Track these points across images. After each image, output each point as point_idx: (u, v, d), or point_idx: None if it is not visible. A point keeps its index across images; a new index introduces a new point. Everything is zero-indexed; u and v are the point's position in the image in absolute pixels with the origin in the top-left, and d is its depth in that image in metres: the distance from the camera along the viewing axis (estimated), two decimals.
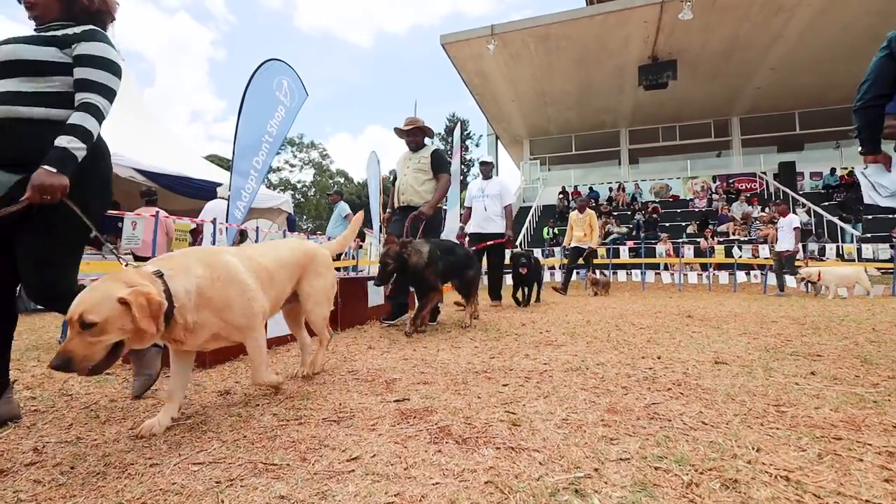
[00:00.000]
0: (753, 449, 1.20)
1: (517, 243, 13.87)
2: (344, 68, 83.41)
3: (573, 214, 8.03)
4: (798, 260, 8.58)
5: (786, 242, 8.12)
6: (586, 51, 13.37)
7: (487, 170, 5.86)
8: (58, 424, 1.55)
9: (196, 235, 5.97)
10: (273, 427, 1.46)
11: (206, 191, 7.93)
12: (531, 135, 20.70)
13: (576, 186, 19.06)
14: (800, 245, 8.28)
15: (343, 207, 8.69)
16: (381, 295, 4.48)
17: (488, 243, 5.39)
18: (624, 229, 14.48)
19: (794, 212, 13.09)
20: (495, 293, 5.70)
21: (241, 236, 8.46)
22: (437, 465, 1.16)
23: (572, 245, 7.90)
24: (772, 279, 8.48)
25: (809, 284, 7.55)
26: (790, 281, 8.13)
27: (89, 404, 1.77)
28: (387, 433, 1.39)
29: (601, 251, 10.90)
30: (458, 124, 14.83)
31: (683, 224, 14.71)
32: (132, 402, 1.80)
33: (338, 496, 1.02)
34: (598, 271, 8.60)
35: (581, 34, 12.63)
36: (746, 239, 12.04)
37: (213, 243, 4.77)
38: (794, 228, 8.03)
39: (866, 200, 2.19)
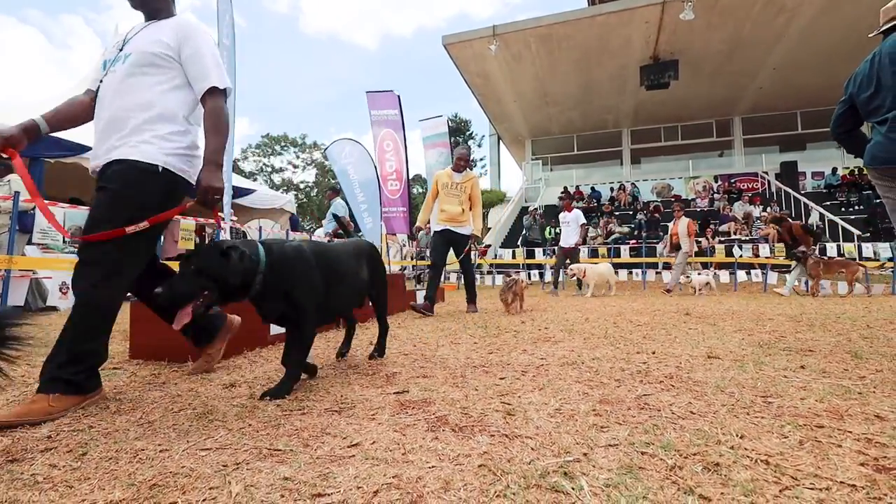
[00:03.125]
0: (737, 436, 1.25)
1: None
2: (349, 70, 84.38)
3: (443, 174, 4.72)
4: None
5: (571, 238, 7.96)
6: (588, 51, 13.42)
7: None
8: (70, 415, 1.61)
9: (199, 235, 6.05)
10: (277, 417, 1.52)
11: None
12: (533, 135, 20.75)
13: (577, 186, 19.11)
14: (582, 240, 8.18)
15: (338, 205, 8.32)
16: None
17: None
18: (625, 229, 14.52)
19: (807, 214, 13.10)
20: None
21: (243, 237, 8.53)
22: (433, 450, 1.22)
23: (440, 228, 4.66)
24: (772, 278, 8.49)
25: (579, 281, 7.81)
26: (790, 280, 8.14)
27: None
28: (386, 422, 1.44)
29: (602, 250, 10.89)
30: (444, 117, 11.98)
31: None
32: (140, 395, 1.86)
33: (339, 478, 1.07)
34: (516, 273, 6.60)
35: (583, 34, 12.67)
36: (748, 238, 12.06)
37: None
38: (581, 225, 7.95)
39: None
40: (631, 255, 10.62)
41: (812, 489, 0.97)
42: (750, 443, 1.20)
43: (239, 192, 8.06)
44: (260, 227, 6.73)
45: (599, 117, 18.70)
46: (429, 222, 4.95)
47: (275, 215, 9.67)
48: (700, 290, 7.67)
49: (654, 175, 19.19)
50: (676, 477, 1.03)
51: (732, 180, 17.20)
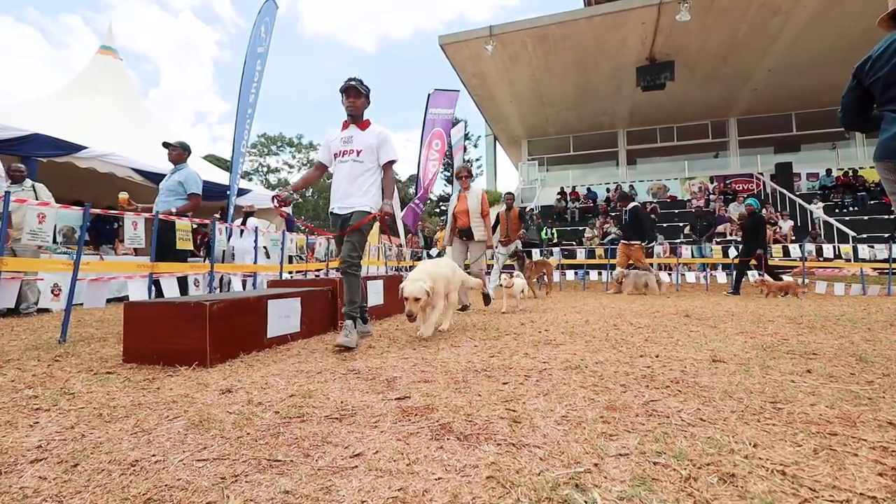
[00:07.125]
0: (750, 444, 1.22)
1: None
2: (347, 71, 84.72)
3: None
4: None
5: (355, 195, 3.51)
6: (584, 52, 13.41)
7: None
8: (61, 423, 1.56)
9: (197, 236, 5.91)
10: (276, 425, 1.47)
11: (204, 191, 7.92)
12: (529, 135, 20.74)
13: (574, 187, 19.12)
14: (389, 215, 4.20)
15: (190, 176, 4.91)
16: (380, 295, 4.50)
17: None
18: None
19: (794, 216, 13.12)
20: None
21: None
22: (439, 460, 1.18)
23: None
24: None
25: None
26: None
27: (92, 402, 1.78)
28: (389, 430, 1.40)
29: (599, 251, 10.83)
30: (463, 123, 14.97)
31: (681, 224, 14.77)
32: (134, 400, 1.81)
33: (342, 491, 1.03)
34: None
35: (579, 35, 12.66)
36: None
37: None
38: (389, 164, 3.72)
39: None
40: None
41: (832, 501, 0.94)
42: (764, 451, 1.17)
43: None
44: (256, 227, 6.66)
45: (596, 118, 18.70)
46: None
47: (270, 215, 9.60)
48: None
49: (649, 176, 19.22)
50: (692, 489, 1.00)
51: (728, 181, 17.26)
